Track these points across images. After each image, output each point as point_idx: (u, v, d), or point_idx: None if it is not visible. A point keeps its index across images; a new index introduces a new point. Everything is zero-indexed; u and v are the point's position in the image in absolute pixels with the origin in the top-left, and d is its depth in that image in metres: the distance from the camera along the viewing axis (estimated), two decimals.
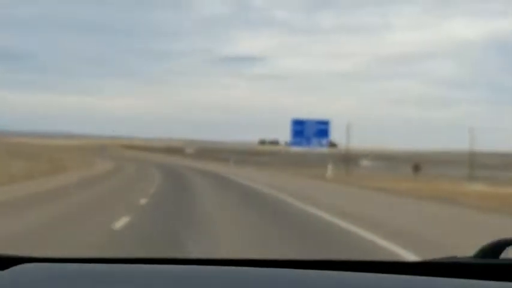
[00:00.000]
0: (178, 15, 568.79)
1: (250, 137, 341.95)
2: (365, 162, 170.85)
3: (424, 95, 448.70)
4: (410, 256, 9.89)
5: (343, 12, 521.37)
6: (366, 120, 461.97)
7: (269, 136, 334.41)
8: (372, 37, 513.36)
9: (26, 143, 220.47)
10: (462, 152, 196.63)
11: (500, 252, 1.78)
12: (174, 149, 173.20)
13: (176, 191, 25.30)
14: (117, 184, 29.47)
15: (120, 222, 12.22)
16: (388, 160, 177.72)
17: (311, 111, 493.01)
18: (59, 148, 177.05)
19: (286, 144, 52.33)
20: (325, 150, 50.17)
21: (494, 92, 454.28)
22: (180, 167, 59.92)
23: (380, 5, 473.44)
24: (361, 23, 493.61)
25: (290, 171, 63.88)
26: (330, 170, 51.95)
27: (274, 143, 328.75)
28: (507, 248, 1.80)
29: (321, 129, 50.50)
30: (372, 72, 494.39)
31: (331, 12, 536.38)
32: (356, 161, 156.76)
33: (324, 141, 50.26)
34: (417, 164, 59.01)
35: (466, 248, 2.27)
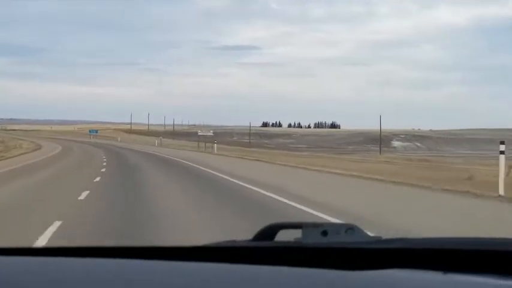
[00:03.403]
0: (182, 8, 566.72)
1: (251, 120, 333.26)
2: (397, 143, 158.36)
3: (408, 78, 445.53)
4: None
5: (331, 2, 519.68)
6: (356, 102, 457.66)
7: (271, 119, 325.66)
8: (358, 24, 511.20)
9: (19, 129, 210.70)
10: (463, 131, 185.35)
11: (274, 235, 1.85)
12: (178, 133, 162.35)
13: None
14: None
15: None
16: (419, 140, 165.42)
17: (305, 95, 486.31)
18: (45, 133, 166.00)
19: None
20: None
21: (475, 74, 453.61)
22: None
23: None
24: (349, 11, 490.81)
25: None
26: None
27: (277, 125, 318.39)
28: (280, 231, 1.87)
29: None
30: (360, 58, 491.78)
31: (321, 2, 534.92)
32: (386, 143, 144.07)
33: None
34: None
35: None
